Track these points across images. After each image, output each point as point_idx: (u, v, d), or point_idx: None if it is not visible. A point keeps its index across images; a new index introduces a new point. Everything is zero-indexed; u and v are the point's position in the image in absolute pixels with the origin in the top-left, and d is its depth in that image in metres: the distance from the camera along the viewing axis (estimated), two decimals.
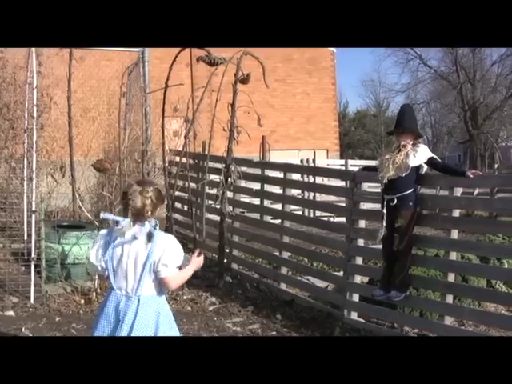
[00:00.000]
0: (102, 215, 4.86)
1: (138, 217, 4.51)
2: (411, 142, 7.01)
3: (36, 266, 8.81)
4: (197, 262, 4.85)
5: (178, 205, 12.88)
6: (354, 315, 8.18)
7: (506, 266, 9.39)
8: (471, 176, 6.75)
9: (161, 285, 4.59)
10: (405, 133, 7.06)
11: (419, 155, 6.92)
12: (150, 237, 4.46)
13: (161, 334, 4.53)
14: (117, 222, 4.53)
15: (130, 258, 4.50)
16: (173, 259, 4.52)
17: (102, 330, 4.56)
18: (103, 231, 4.76)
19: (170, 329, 4.67)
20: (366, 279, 8.66)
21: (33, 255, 8.75)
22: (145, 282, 4.49)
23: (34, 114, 8.98)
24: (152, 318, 4.51)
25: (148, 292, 4.52)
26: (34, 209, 8.82)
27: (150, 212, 4.51)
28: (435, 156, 7.10)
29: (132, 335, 4.42)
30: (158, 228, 4.61)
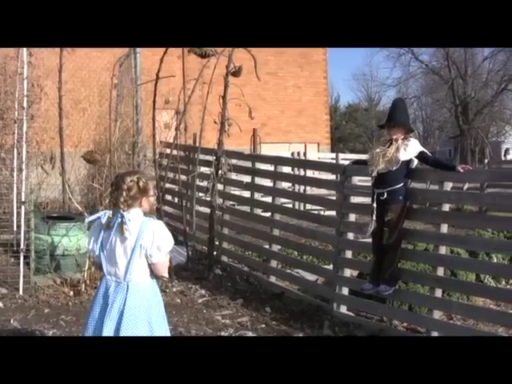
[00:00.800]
0: (86, 221, 4.97)
1: (118, 206, 4.58)
2: (402, 136, 7.01)
3: (25, 258, 8.79)
4: None
5: (168, 197, 12.87)
6: (344, 309, 8.19)
7: (495, 260, 9.44)
8: (461, 170, 6.77)
9: (151, 270, 4.63)
10: (396, 127, 7.06)
11: (410, 149, 6.93)
12: (125, 223, 4.51)
13: (152, 321, 4.57)
14: (98, 218, 4.68)
15: (119, 244, 4.56)
16: (163, 244, 4.56)
17: (93, 316, 4.62)
18: (96, 216, 4.78)
19: (161, 317, 4.72)
20: (355, 273, 8.67)
21: (22, 246, 8.73)
22: (134, 268, 4.54)
23: (24, 105, 8.95)
24: (141, 304, 4.54)
25: (138, 278, 4.57)
26: (23, 200, 8.79)
27: (125, 202, 4.56)
28: (426, 150, 7.11)
29: (122, 321, 4.46)
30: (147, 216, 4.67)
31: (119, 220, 4.53)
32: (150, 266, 4.61)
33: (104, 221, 4.60)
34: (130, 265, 4.53)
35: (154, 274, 4.67)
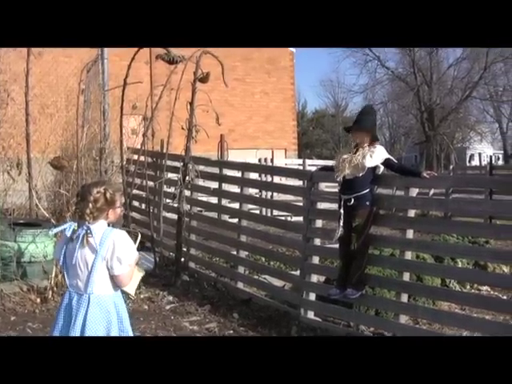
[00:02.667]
0: (50, 233, 4.94)
1: (84, 218, 4.53)
2: (367, 142, 7.06)
3: None
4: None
5: (135, 203, 12.83)
6: (311, 314, 8.22)
7: (460, 265, 9.54)
8: (427, 177, 6.85)
9: (113, 283, 4.58)
10: (360, 131, 7.12)
11: (376, 156, 6.98)
12: (90, 234, 4.48)
13: (112, 334, 4.52)
14: (63, 230, 4.63)
15: (81, 256, 4.50)
16: (124, 256, 4.49)
17: (59, 328, 4.58)
18: (61, 228, 4.75)
19: (121, 331, 4.63)
20: (322, 278, 8.71)
21: None
22: (95, 280, 4.48)
23: None
24: (101, 317, 4.50)
25: (99, 290, 4.51)
26: None
27: (91, 214, 4.51)
28: (391, 157, 7.17)
29: (85, 334, 4.42)
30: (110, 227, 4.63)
31: (84, 232, 4.49)
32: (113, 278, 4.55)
33: (69, 234, 4.56)
34: (91, 277, 4.47)
35: (117, 285, 4.62)
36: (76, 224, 4.59)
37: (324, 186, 8.42)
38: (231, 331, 7.95)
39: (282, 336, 7.66)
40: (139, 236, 5.12)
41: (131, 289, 4.84)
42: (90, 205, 4.50)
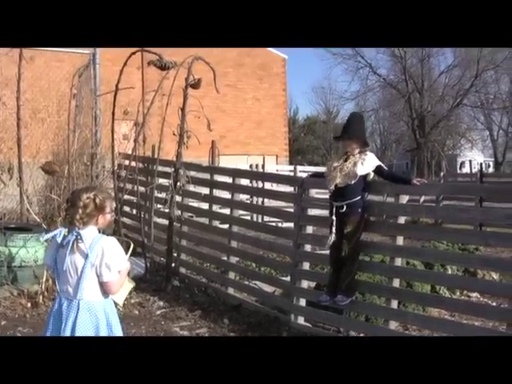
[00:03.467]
0: (41, 239, 4.94)
1: (74, 224, 4.55)
2: (358, 150, 7.08)
3: None
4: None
5: (126, 208, 12.84)
6: (301, 320, 8.24)
7: (450, 271, 9.58)
8: (417, 184, 6.87)
9: (103, 289, 4.59)
10: (350, 139, 7.13)
11: (367, 163, 7.00)
12: (80, 240, 4.49)
13: None
14: (54, 236, 4.64)
15: (71, 262, 4.51)
16: (113, 262, 4.51)
17: (49, 333, 4.60)
18: (51, 234, 4.76)
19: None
20: (312, 284, 8.73)
21: None
22: (85, 286, 4.50)
23: None
24: (90, 323, 4.51)
25: (89, 296, 4.53)
26: None
27: (81, 220, 4.53)
28: (382, 164, 7.19)
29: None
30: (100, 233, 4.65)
31: (74, 238, 4.50)
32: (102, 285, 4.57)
33: (59, 239, 4.58)
34: (81, 283, 4.49)
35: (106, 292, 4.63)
36: (66, 230, 4.61)
37: (315, 193, 8.45)
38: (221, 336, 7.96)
39: (273, 336, 7.66)
40: (131, 246, 5.13)
41: (120, 298, 4.86)
42: (80, 210, 4.52)
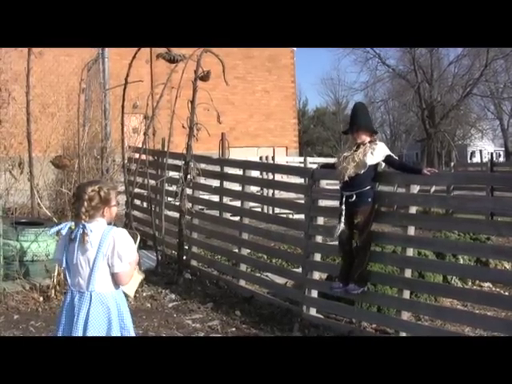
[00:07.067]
0: (49, 234, 4.96)
1: (80, 217, 4.56)
2: (368, 139, 7.06)
3: None
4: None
5: (137, 202, 12.84)
6: (313, 311, 8.23)
7: (462, 261, 9.56)
8: (427, 173, 6.84)
9: (114, 280, 4.61)
10: (359, 131, 7.11)
11: (377, 153, 6.98)
12: (87, 233, 4.50)
13: (112, 332, 4.55)
14: (60, 229, 4.69)
15: (81, 255, 4.54)
16: (124, 253, 4.54)
17: (62, 327, 4.61)
18: (57, 228, 4.78)
19: (122, 328, 4.66)
20: (324, 275, 8.73)
21: None
22: (96, 278, 4.52)
23: None
24: (103, 315, 4.53)
25: (100, 288, 4.55)
26: None
27: (87, 213, 4.55)
28: (392, 154, 7.16)
29: (87, 333, 4.45)
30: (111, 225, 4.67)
31: (81, 231, 4.52)
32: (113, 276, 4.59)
33: (65, 232, 4.61)
34: (92, 275, 4.51)
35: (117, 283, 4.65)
36: (73, 223, 4.62)
37: (325, 184, 8.43)
38: (233, 329, 7.96)
39: (284, 335, 7.66)
40: (138, 237, 5.14)
41: (130, 290, 4.88)
42: (85, 203, 4.54)
